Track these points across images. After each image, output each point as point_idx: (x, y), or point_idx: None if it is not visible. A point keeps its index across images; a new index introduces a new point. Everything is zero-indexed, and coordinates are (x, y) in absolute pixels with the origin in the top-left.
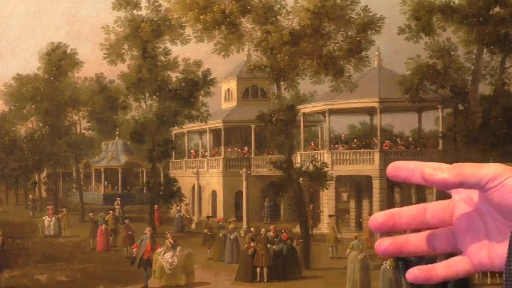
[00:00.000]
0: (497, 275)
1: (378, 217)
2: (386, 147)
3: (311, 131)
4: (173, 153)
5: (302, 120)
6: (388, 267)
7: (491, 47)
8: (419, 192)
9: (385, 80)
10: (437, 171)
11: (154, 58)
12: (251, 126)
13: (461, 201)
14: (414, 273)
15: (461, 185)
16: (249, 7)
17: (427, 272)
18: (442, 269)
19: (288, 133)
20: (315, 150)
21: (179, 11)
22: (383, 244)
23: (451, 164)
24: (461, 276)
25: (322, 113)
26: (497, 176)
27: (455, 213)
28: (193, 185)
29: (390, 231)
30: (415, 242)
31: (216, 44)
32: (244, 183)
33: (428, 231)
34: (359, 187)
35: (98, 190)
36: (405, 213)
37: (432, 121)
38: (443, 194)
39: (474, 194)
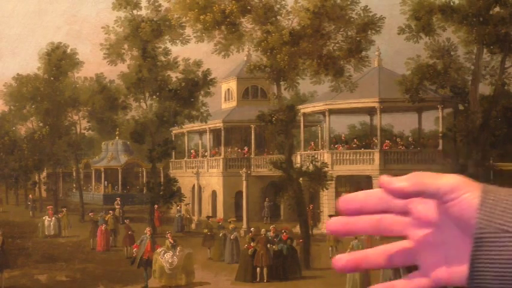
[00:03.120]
0: None
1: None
2: (386, 147)
3: (311, 131)
4: (173, 153)
5: (302, 120)
6: None
7: (491, 47)
8: None
9: (385, 80)
10: (395, 180)
11: (154, 58)
12: (251, 126)
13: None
14: None
15: (419, 194)
16: (249, 7)
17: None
18: (401, 285)
19: (288, 133)
20: (315, 150)
21: (179, 11)
22: (341, 261)
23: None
24: None
25: (322, 113)
26: (456, 189)
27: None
28: (193, 185)
29: (349, 235)
30: (373, 256)
31: (216, 44)
32: (244, 183)
33: (385, 246)
34: (359, 187)
35: (98, 190)
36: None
37: (432, 121)
38: None
39: (432, 207)
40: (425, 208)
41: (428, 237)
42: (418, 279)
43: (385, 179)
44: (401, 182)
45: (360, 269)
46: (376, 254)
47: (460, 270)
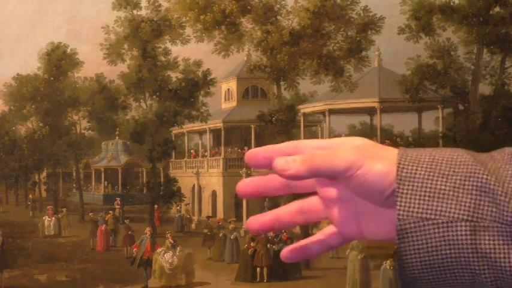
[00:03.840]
0: None
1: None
2: None
3: (311, 131)
4: (173, 153)
5: (302, 120)
6: (388, 267)
7: (491, 47)
8: None
9: (385, 80)
10: (290, 164)
11: (154, 58)
12: (251, 126)
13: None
14: (287, 255)
15: (315, 176)
16: (249, 7)
17: (303, 250)
18: (315, 246)
19: (288, 133)
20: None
21: (179, 11)
22: (255, 222)
23: None
24: (335, 247)
25: (322, 113)
26: (350, 167)
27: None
28: (193, 185)
29: (256, 196)
30: (286, 215)
31: (216, 44)
32: None
33: (296, 203)
34: None
35: (98, 190)
36: (272, 178)
37: (432, 121)
38: None
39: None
40: (328, 184)
41: (336, 194)
42: (331, 236)
43: (279, 163)
44: (295, 167)
45: (275, 228)
46: (288, 212)
47: (372, 229)
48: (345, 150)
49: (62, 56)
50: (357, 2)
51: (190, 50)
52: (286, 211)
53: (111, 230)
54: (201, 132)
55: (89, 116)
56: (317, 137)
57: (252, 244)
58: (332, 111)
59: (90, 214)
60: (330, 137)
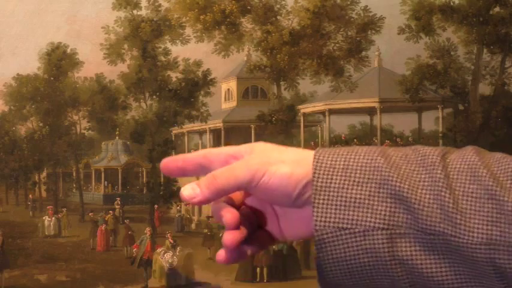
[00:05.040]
0: None
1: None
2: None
3: (311, 131)
4: (173, 153)
5: (302, 120)
6: None
7: (491, 47)
8: None
9: (385, 80)
10: (196, 190)
11: (154, 58)
12: (251, 126)
13: None
14: (223, 256)
15: (223, 195)
16: (249, 7)
17: (237, 253)
18: (250, 248)
19: (288, 133)
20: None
21: (179, 11)
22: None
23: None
24: (267, 247)
25: (322, 113)
26: (253, 178)
27: None
28: None
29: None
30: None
31: (216, 44)
32: None
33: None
34: None
35: (98, 190)
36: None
37: (432, 121)
38: None
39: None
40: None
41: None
42: (262, 237)
43: (186, 192)
44: (202, 193)
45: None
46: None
47: (289, 226)
48: (245, 162)
49: (62, 56)
50: (357, 2)
51: (190, 50)
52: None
53: (111, 230)
54: (201, 132)
55: (89, 116)
56: (317, 137)
57: None
58: (332, 111)
59: (90, 214)
60: (330, 137)
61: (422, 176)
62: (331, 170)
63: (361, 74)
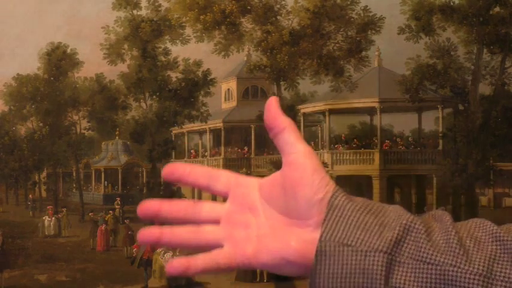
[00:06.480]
0: None
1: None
2: (386, 147)
3: (311, 131)
4: (173, 153)
5: (302, 120)
6: None
7: (491, 47)
8: (419, 192)
9: (385, 80)
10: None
11: (154, 58)
12: (251, 126)
13: (235, 201)
14: (173, 265)
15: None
16: (249, 7)
17: (187, 263)
18: (202, 260)
19: None
20: (315, 150)
21: (179, 11)
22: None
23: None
24: (222, 270)
25: (322, 113)
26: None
27: (228, 210)
28: None
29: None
30: (197, 260)
31: (216, 44)
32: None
33: (194, 228)
34: (359, 187)
35: (98, 190)
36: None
37: (432, 121)
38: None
39: (250, 193)
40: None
41: (242, 220)
42: (220, 255)
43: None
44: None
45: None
46: (200, 258)
47: (270, 250)
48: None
49: (62, 56)
50: (357, 2)
51: (190, 50)
52: (184, 230)
53: (111, 230)
54: (201, 132)
55: (89, 116)
56: (317, 137)
57: None
58: (332, 111)
59: (90, 214)
60: (330, 137)
61: (433, 222)
62: (350, 198)
63: (361, 74)
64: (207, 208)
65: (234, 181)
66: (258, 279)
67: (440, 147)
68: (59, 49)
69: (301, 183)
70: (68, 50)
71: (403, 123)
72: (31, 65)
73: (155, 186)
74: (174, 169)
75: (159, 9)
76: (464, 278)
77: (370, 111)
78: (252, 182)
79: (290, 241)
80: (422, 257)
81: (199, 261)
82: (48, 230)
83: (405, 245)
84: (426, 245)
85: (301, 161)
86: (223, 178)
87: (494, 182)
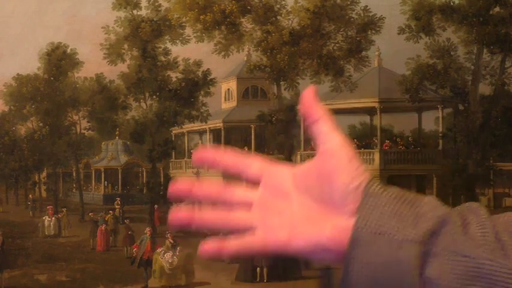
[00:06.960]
0: None
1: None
2: (386, 147)
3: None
4: (173, 153)
5: (302, 120)
6: None
7: (491, 47)
8: (419, 192)
9: (385, 80)
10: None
11: (154, 58)
12: (251, 126)
13: (268, 187)
14: (205, 248)
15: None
16: (249, 7)
17: (220, 246)
18: (235, 244)
19: (288, 133)
20: (315, 150)
21: (179, 11)
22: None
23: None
24: (254, 254)
25: None
26: (264, 172)
27: (261, 196)
28: None
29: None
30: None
31: (216, 44)
32: (244, 183)
33: (225, 212)
34: None
35: (98, 190)
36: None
37: (432, 121)
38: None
39: (283, 181)
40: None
41: (275, 205)
42: (254, 239)
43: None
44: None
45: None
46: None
47: (304, 236)
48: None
49: (62, 56)
50: (357, 2)
51: (190, 50)
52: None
53: (111, 230)
54: (201, 132)
55: (89, 116)
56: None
57: None
58: (332, 111)
59: (90, 214)
60: None
61: (469, 215)
62: (385, 188)
63: (361, 74)
64: (239, 192)
65: (266, 168)
66: (258, 279)
67: (440, 147)
68: (59, 49)
69: (337, 171)
70: (68, 50)
71: (403, 123)
72: (31, 65)
73: (155, 186)
74: (205, 153)
75: (159, 9)
76: (502, 272)
77: (370, 111)
78: (285, 170)
79: (325, 228)
80: (458, 249)
81: (233, 245)
82: (48, 230)
83: (441, 236)
84: (462, 237)
85: (337, 150)
86: (256, 164)
87: (494, 182)
